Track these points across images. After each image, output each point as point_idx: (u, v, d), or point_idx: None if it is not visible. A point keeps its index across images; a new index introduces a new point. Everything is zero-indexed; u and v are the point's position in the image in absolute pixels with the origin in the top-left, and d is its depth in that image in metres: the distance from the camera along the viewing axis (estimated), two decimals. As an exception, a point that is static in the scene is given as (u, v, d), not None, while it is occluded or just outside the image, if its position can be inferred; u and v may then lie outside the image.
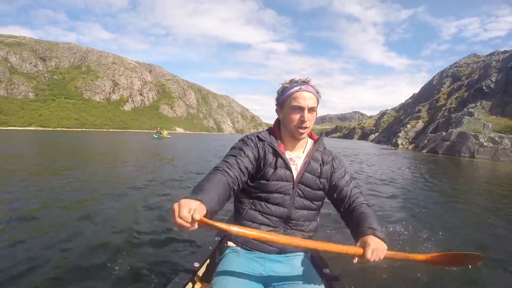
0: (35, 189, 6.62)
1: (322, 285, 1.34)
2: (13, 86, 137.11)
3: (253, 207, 1.48)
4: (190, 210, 1.00)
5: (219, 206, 1.18)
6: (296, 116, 1.42)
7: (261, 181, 1.45)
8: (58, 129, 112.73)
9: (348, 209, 1.48)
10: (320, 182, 1.51)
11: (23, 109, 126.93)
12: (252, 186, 1.47)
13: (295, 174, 1.47)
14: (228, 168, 1.34)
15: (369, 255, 1.16)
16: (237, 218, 1.54)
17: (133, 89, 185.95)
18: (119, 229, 4.16)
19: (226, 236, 1.72)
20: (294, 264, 1.43)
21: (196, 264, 1.56)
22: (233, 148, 1.49)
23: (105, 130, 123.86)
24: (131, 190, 6.88)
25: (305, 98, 1.40)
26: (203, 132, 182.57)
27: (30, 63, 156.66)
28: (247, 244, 1.48)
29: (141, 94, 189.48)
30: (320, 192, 1.53)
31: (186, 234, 3.80)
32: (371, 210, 1.43)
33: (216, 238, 1.87)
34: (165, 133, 43.94)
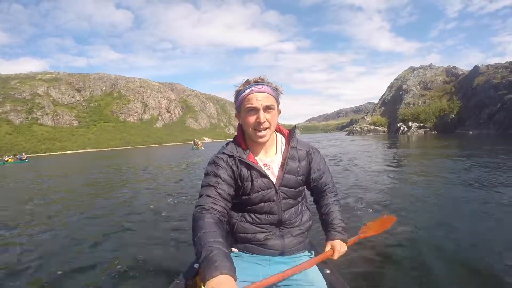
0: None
1: (325, 286, 1.33)
2: (58, 117, 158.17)
3: (244, 219, 1.45)
4: None
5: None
6: (252, 119, 1.35)
7: (243, 197, 1.41)
8: (109, 148, 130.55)
9: (319, 201, 1.61)
10: (299, 180, 1.49)
11: (73, 135, 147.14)
12: (237, 202, 1.44)
13: (274, 179, 1.43)
14: (213, 203, 1.29)
15: (336, 256, 1.40)
16: (230, 231, 1.49)
17: (161, 108, 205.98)
18: (121, 228, 4.21)
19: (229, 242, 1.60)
20: (296, 263, 1.38)
21: (197, 265, 1.52)
22: (207, 174, 1.40)
23: (146, 146, 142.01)
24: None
25: (258, 99, 1.33)
26: (227, 139, 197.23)
27: (69, 95, 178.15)
28: (248, 249, 1.45)
29: (168, 112, 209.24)
30: (301, 187, 1.53)
31: (187, 235, 3.79)
32: (338, 209, 1.56)
33: None
34: (200, 144, 44.82)
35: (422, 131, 48.29)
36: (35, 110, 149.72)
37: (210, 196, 1.30)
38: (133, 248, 3.43)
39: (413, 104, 60.96)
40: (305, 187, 1.59)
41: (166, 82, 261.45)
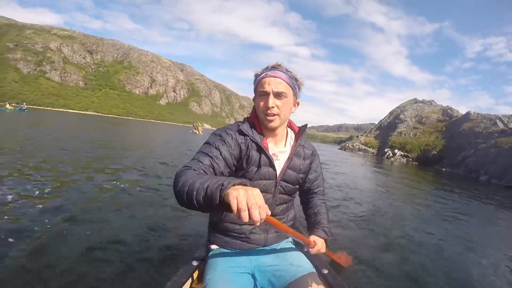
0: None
1: (312, 266, 1.36)
2: (66, 74, 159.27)
3: None
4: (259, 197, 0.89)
5: None
6: (262, 103, 1.33)
7: None
8: (110, 115, 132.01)
9: (309, 202, 1.63)
10: (299, 177, 1.49)
11: (78, 95, 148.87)
12: None
13: (278, 171, 1.40)
14: (203, 171, 1.18)
15: (314, 251, 1.40)
16: (217, 219, 1.47)
17: (167, 86, 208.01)
18: (114, 220, 3.89)
19: (209, 239, 1.58)
20: (278, 251, 1.44)
21: (195, 263, 1.51)
22: (208, 143, 1.32)
23: (147, 120, 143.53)
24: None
25: (270, 83, 1.31)
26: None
27: (80, 55, 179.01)
28: (228, 244, 1.44)
29: (174, 91, 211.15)
30: (298, 185, 1.52)
31: (185, 231, 3.67)
32: (326, 211, 1.60)
33: None
34: (200, 130, 43.18)
35: (404, 160, 52.42)
36: (44, 63, 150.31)
37: (203, 164, 1.21)
38: (130, 243, 3.30)
39: (405, 134, 64.71)
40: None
41: (178, 62, 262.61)
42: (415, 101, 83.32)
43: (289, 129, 1.54)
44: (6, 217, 3.54)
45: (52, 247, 2.98)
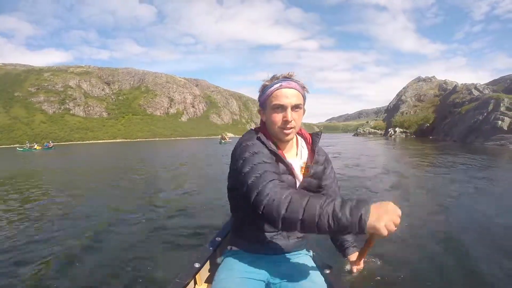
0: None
1: (325, 285, 1.31)
2: (89, 108, 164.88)
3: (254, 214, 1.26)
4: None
5: None
6: (279, 116, 1.25)
7: None
8: (138, 140, 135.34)
9: None
10: (318, 184, 1.47)
11: (104, 126, 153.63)
12: None
13: (297, 180, 1.38)
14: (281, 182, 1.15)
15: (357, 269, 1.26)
16: (237, 224, 1.45)
17: (186, 103, 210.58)
18: (119, 225, 4.08)
19: (228, 238, 1.62)
20: (296, 264, 1.39)
21: (197, 265, 1.52)
22: (260, 163, 1.19)
23: (173, 138, 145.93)
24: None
25: (287, 96, 1.24)
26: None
27: (99, 88, 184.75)
28: (247, 247, 1.41)
29: (193, 107, 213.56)
30: (317, 191, 1.48)
31: (187, 232, 3.74)
32: None
33: (217, 239, 1.79)
34: (227, 138, 45.91)
35: (403, 135, 61.62)
36: (67, 101, 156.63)
37: (284, 182, 1.18)
38: (132, 246, 3.38)
39: (406, 113, 73.34)
40: None
41: (192, 78, 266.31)
42: (418, 79, 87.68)
43: (298, 137, 1.48)
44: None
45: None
